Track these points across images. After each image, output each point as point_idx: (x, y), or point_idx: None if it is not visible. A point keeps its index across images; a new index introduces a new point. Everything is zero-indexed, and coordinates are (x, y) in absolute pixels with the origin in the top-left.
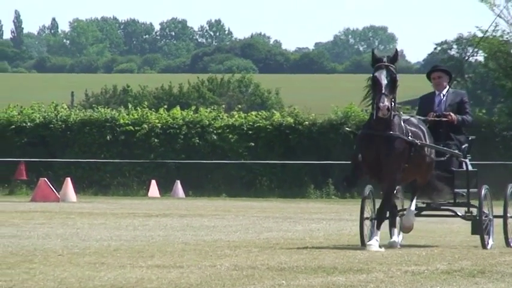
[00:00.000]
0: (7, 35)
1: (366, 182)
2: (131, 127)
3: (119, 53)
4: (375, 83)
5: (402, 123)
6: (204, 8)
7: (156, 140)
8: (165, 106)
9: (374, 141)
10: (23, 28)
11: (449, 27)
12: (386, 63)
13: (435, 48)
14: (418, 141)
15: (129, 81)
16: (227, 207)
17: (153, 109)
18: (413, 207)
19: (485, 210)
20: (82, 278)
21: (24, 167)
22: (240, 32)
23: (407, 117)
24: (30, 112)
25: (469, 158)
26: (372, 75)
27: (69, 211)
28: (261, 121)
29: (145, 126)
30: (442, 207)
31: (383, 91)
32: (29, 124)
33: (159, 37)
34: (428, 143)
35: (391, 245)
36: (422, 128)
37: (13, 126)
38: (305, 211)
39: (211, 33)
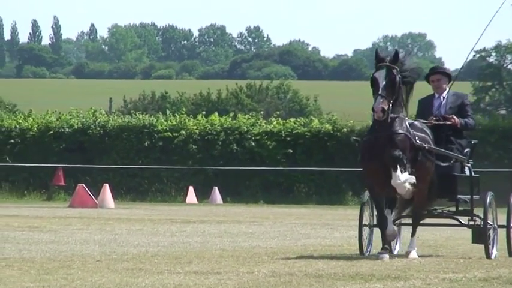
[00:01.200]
0: (46, 41)
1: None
2: (169, 133)
3: (157, 59)
4: (373, 84)
5: (408, 126)
6: (243, 14)
7: (194, 147)
8: (203, 112)
9: (377, 144)
10: (61, 34)
11: (488, 34)
12: (388, 64)
13: (474, 56)
14: (426, 145)
15: (168, 87)
16: (265, 213)
17: (191, 115)
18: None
19: (490, 218)
20: (120, 283)
21: (62, 172)
22: (279, 38)
23: (411, 121)
24: (69, 118)
25: (471, 163)
26: (371, 75)
27: (107, 217)
28: (299, 128)
29: (184, 132)
30: (444, 215)
31: (379, 92)
32: (67, 130)
33: (197, 43)
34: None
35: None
36: (427, 131)
37: (51, 132)
38: (343, 218)
39: (250, 40)
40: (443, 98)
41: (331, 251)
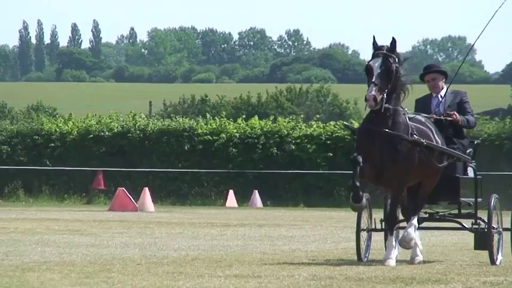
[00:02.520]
0: (85, 45)
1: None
2: (209, 137)
3: (197, 63)
4: (368, 72)
5: (408, 120)
6: (283, 17)
7: (234, 150)
8: (243, 116)
9: (375, 137)
10: (101, 37)
11: None
12: (385, 52)
13: None
14: (424, 140)
15: (207, 90)
16: (305, 217)
17: (231, 119)
18: (415, 221)
19: (494, 222)
20: (160, 287)
21: (102, 176)
22: (319, 42)
23: (413, 115)
24: (109, 121)
25: (474, 164)
26: (366, 63)
27: (147, 221)
28: (339, 131)
29: (224, 136)
30: (446, 219)
31: (373, 80)
32: (107, 133)
33: (237, 47)
34: (438, 142)
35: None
36: (430, 126)
37: (91, 136)
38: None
39: (290, 43)
40: (441, 96)
41: (372, 254)
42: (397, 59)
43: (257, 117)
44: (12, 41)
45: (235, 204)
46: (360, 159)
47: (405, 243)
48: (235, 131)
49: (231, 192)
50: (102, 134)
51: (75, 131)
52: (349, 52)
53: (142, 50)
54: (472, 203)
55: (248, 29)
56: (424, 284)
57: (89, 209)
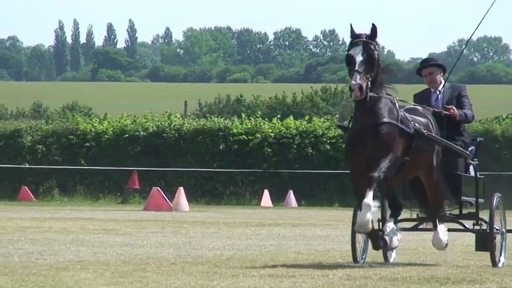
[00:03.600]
0: (121, 44)
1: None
2: (244, 136)
3: (232, 63)
4: (349, 61)
5: (397, 107)
6: (319, 18)
7: (269, 150)
8: (279, 116)
9: (361, 136)
10: (136, 37)
11: None
12: (364, 39)
13: None
14: (425, 131)
15: (243, 90)
16: (340, 217)
17: (266, 119)
18: (443, 227)
19: (497, 223)
20: (195, 286)
21: (137, 176)
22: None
23: (411, 106)
24: (144, 121)
25: (476, 162)
26: (346, 53)
27: (182, 220)
28: None
29: (259, 135)
30: (446, 219)
31: (356, 68)
32: (142, 133)
33: (272, 47)
34: (437, 135)
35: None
36: (429, 117)
37: (126, 135)
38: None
39: (325, 43)
40: (439, 91)
41: (406, 254)
42: (376, 46)
43: (292, 117)
44: (48, 40)
45: (270, 204)
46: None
47: (438, 246)
48: (270, 130)
49: (265, 192)
50: (137, 133)
51: (110, 130)
52: (385, 52)
53: (178, 50)
54: (473, 202)
55: (283, 29)
56: (458, 284)
57: (124, 208)
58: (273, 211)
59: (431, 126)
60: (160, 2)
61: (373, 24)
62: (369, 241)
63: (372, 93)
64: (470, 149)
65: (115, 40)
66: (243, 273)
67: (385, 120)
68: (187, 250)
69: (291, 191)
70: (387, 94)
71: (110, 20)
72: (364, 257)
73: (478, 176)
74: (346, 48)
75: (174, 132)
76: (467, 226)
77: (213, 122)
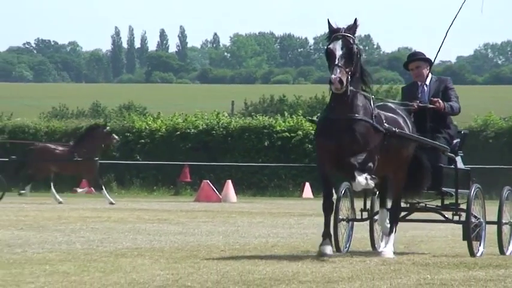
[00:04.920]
0: (173, 49)
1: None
2: (287, 133)
3: (275, 65)
4: (329, 55)
5: (372, 105)
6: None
7: (309, 146)
8: (319, 114)
9: (334, 126)
10: (187, 42)
11: None
12: (344, 33)
13: None
14: (395, 129)
15: (285, 91)
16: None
17: (307, 117)
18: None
19: (476, 213)
20: (243, 271)
21: (188, 170)
22: (388, 46)
23: (382, 102)
24: (194, 120)
25: (461, 154)
26: (326, 47)
27: (230, 210)
28: None
29: (300, 132)
30: (428, 209)
31: (336, 62)
32: (192, 131)
33: (312, 51)
34: (410, 130)
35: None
36: (401, 113)
37: (178, 133)
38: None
39: (361, 47)
40: (427, 85)
41: (437, 241)
42: (355, 40)
43: None
44: (105, 45)
45: (311, 196)
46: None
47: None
48: (310, 128)
49: (307, 184)
50: (188, 131)
51: (164, 128)
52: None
53: (225, 54)
54: (453, 194)
55: (322, 34)
56: (485, 269)
57: (176, 200)
58: (314, 202)
59: (403, 124)
60: (209, 10)
61: (355, 19)
62: (352, 231)
63: (351, 87)
64: (455, 141)
65: (167, 45)
66: (286, 259)
67: (362, 117)
68: (235, 238)
69: None
70: (363, 90)
71: (162, 27)
72: (348, 245)
73: (465, 168)
74: (326, 42)
75: (222, 129)
76: (447, 217)
77: (258, 120)
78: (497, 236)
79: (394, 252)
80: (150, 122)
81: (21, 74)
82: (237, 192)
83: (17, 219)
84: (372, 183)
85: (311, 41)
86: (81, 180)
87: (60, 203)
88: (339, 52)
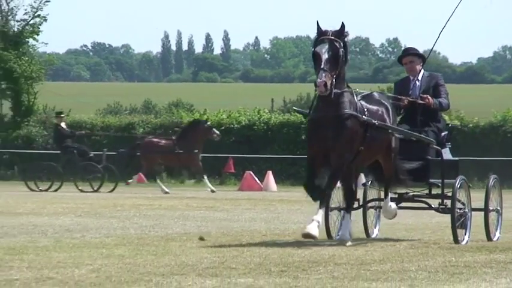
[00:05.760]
0: (217, 51)
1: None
2: None
3: (312, 66)
4: (315, 59)
5: (356, 99)
6: (384, 28)
7: None
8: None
9: (322, 124)
10: (230, 45)
11: None
12: (330, 37)
13: None
14: (375, 121)
15: None
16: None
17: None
18: (388, 199)
19: (461, 202)
20: (283, 254)
21: (232, 161)
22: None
23: (367, 92)
24: (237, 115)
25: (449, 146)
26: (312, 50)
27: (271, 199)
28: None
29: None
30: (415, 199)
31: (322, 66)
32: (236, 125)
33: None
34: (392, 121)
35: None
36: (386, 103)
37: (223, 128)
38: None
39: (390, 49)
40: (418, 80)
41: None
42: (342, 44)
43: None
44: (155, 48)
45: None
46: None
47: (388, 214)
48: None
49: None
50: (232, 126)
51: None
52: (440, 57)
53: (265, 56)
54: (439, 184)
55: (354, 37)
56: (505, 252)
57: (222, 189)
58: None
59: (385, 115)
60: (250, 15)
61: (342, 23)
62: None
63: (336, 90)
64: (443, 134)
65: (212, 47)
66: (323, 243)
67: (347, 111)
68: (275, 224)
69: (362, 174)
70: (347, 86)
71: (208, 31)
72: (340, 233)
73: (452, 159)
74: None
75: (263, 125)
76: (433, 206)
77: (296, 116)
78: (484, 222)
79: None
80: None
81: (78, 74)
82: (277, 182)
83: (76, 206)
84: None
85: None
86: (135, 173)
87: (166, 193)
88: (324, 56)
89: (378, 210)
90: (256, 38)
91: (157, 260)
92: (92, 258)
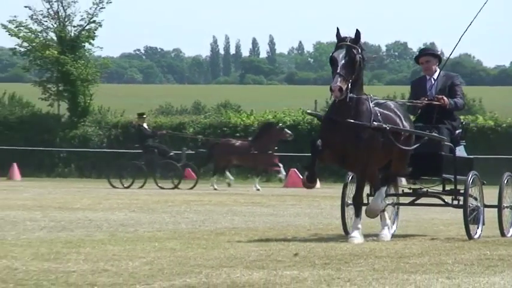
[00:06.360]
0: (263, 55)
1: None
2: None
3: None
4: (332, 63)
5: (371, 106)
6: (421, 33)
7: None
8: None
9: (337, 127)
10: (275, 49)
11: None
12: (348, 43)
13: None
14: (386, 126)
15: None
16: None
17: (307, 110)
18: (383, 192)
19: (474, 198)
20: (326, 248)
21: (277, 160)
22: (450, 52)
23: (383, 101)
24: (282, 116)
25: (463, 144)
26: (330, 54)
27: (315, 195)
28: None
29: None
30: (429, 194)
31: (338, 71)
32: (281, 125)
33: (385, 56)
34: (406, 127)
35: (380, 238)
36: (399, 112)
37: None
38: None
39: (370, 55)
40: (434, 79)
41: (491, 224)
42: (360, 50)
43: None
44: (204, 51)
45: None
46: (320, 143)
47: (370, 212)
48: None
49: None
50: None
51: (256, 123)
52: (475, 60)
53: (309, 59)
54: (452, 179)
55: (393, 42)
56: None
57: (267, 186)
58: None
59: (398, 120)
60: (295, 21)
61: (357, 29)
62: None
63: (351, 94)
64: (457, 132)
65: (258, 51)
66: (364, 237)
67: (364, 122)
68: (319, 219)
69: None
70: (364, 93)
71: (254, 35)
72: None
73: (467, 156)
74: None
75: (307, 124)
76: (447, 201)
77: None
78: (498, 219)
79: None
80: (244, 118)
81: (132, 76)
82: (320, 179)
83: (129, 202)
84: (384, 205)
85: (383, 48)
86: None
87: (229, 185)
88: (341, 61)
89: (395, 207)
90: (300, 42)
91: (207, 253)
92: (145, 251)
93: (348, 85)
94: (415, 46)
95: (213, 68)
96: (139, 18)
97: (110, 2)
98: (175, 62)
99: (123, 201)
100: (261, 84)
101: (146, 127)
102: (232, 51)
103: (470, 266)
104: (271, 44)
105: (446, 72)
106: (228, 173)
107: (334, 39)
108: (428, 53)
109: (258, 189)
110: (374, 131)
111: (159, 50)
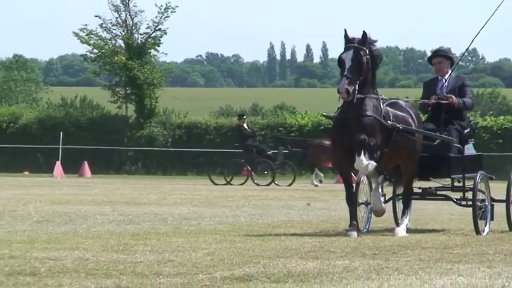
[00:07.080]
0: (317, 60)
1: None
2: None
3: (400, 73)
4: (340, 65)
5: (381, 105)
6: (463, 40)
7: None
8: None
9: (347, 125)
10: (328, 54)
11: None
12: (356, 45)
13: None
14: (399, 125)
15: (408, 93)
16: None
17: (323, 113)
18: (377, 192)
19: (481, 195)
20: (375, 239)
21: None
22: (491, 56)
23: (393, 100)
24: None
25: (472, 142)
26: (339, 56)
27: (365, 190)
28: (507, 124)
29: None
30: (438, 192)
31: (345, 73)
32: None
33: None
34: (417, 127)
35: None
36: (410, 111)
37: (322, 127)
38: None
39: (470, 58)
40: (445, 80)
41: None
42: (367, 51)
43: None
44: (262, 57)
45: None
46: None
47: (376, 213)
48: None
49: None
50: (330, 126)
51: (310, 124)
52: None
53: None
54: (460, 180)
55: (437, 47)
56: None
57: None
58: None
59: (410, 119)
60: (346, 28)
61: (364, 31)
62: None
63: (359, 95)
64: (466, 131)
65: (312, 57)
66: (410, 230)
67: (368, 113)
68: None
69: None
70: (374, 93)
71: (308, 42)
72: (367, 226)
73: (475, 154)
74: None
75: None
76: (455, 200)
77: None
78: (506, 213)
79: (407, 232)
80: (299, 119)
81: (194, 80)
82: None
83: (192, 197)
84: (371, 167)
85: (429, 53)
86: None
87: (316, 186)
88: (348, 63)
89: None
90: None
91: (264, 245)
92: (206, 243)
93: (355, 87)
94: (457, 51)
95: (269, 72)
96: (202, 26)
97: (174, 11)
98: (235, 66)
99: (187, 197)
100: (314, 87)
101: (246, 127)
102: (288, 56)
103: (510, 256)
104: (324, 49)
105: (458, 74)
106: (318, 171)
107: (381, 45)
108: (441, 54)
109: (316, 185)
110: (380, 124)
111: (219, 55)
